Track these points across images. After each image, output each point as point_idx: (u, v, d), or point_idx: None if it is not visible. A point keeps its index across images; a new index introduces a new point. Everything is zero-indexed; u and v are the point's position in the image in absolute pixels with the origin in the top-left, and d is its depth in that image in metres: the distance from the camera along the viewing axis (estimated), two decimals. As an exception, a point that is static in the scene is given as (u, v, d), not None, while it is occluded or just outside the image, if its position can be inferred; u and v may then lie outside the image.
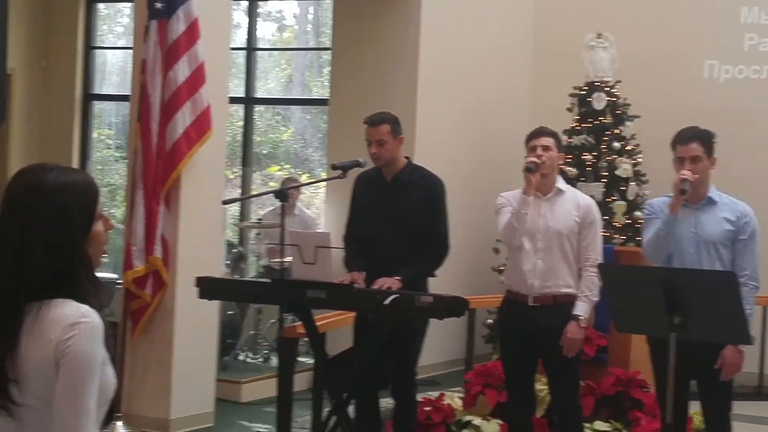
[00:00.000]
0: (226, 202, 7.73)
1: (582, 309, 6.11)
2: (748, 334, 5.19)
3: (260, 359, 10.04)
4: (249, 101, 12.39)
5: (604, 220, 9.97)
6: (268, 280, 7.31)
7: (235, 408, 8.74)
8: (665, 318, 4.97)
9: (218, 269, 8.53)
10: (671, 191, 5.78)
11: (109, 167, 13.74)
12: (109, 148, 13.86)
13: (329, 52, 11.30)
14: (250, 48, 12.40)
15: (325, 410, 6.51)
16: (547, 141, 6.23)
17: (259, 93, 12.84)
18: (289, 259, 6.43)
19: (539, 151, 6.16)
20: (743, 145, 10.72)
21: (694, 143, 5.88)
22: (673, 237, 5.82)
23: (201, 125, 7.84)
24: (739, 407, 6.55)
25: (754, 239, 5.89)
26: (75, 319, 2.71)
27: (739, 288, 5.17)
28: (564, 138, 10.47)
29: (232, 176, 12.77)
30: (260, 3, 12.85)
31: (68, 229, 2.76)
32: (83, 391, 2.69)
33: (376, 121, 6.51)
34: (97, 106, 13.37)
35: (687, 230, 5.87)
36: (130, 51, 8.62)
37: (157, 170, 7.69)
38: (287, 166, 13.48)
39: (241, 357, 10.05)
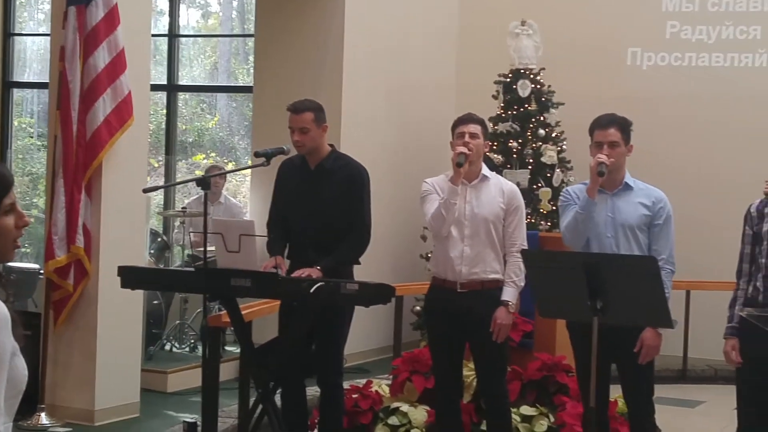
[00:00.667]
0: (147, 191, 7.64)
1: (510, 294, 6.17)
2: (669, 317, 5.25)
3: (186, 349, 9.97)
4: (172, 89, 12.28)
5: (530, 206, 10.12)
6: (192, 269, 7.24)
7: (161, 398, 8.67)
8: (588, 302, 5.01)
9: (142, 258, 8.47)
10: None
11: (31, 156, 13.56)
12: (31, 137, 13.68)
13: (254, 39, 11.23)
14: (173, 35, 12.28)
15: (252, 399, 6.50)
16: (475, 128, 6.26)
17: (184, 80, 12.73)
18: (212, 247, 6.37)
19: (467, 138, 6.18)
20: (665, 132, 10.87)
21: (612, 128, 5.91)
22: (591, 221, 5.88)
23: (122, 113, 7.77)
24: (663, 390, 6.67)
25: (669, 224, 5.97)
26: None
27: (661, 273, 5.24)
28: (490, 125, 10.54)
29: (157, 165, 12.66)
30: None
31: None
32: None
33: (300, 109, 6.47)
34: (18, 93, 13.20)
35: (604, 215, 5.92)
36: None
37: (78, 159, 7.61)
38: (213, 154, 13.40)
39: (166, 347, 9.97)
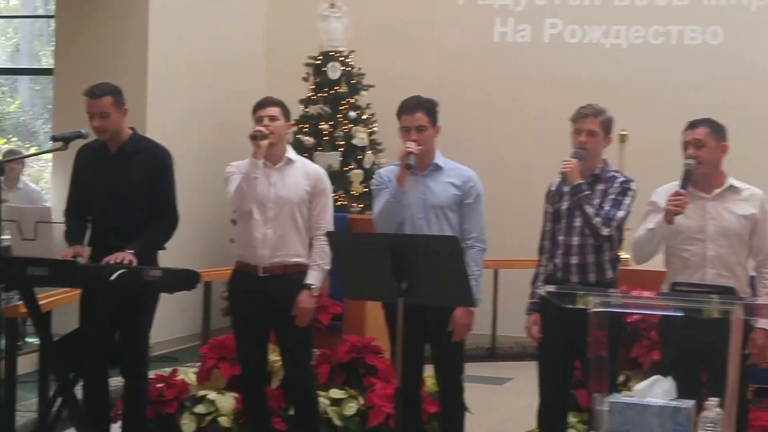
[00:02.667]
0: (-61, 177, 7.36)
1: (314, 278, 6.15)
2: (472, 296, 5.32)
3: (-11, 342, 9.64)
4: (-31, 72, 11.86)
5: (342, 188, 10.15)
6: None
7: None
8: (393, 283, 5.03)
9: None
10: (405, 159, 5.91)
11: None
12: None
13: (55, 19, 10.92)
14: (-30, 15, 11.86)
15: (52, 391, 6.33)
16: (273, 111, 6.21)
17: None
18: (7, 236, 6.17)
19: (266, 122, 6.15)
20: (474, 113, 11.04)
21: (419, 113, 5.98)
22: (403, 206, 5.96)
23: None
24: (472, 368, 6.76)
25: (479, 203, 6.07)
26: None
27: (463, 251, 5.30)
28: (300, 108, 10.55)
29: (-46, 150, 12.23)
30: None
31: None
32: None
33: (97, 93, 6.30)
34: None
35: (415, 196, 5.99)
36: None
37: None
38: (14, 138, 12.97)
39: (-31, 339, 9.63)
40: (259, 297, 6.15)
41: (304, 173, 6.29)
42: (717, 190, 5.65)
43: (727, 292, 5.21)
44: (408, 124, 5.96)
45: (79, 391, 6.31)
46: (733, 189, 5.68)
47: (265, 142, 6.07)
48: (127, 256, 6.05)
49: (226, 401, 6.76)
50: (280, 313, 6.14)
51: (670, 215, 5.45)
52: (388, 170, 6.13)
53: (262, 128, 6.09)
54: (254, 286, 6.17)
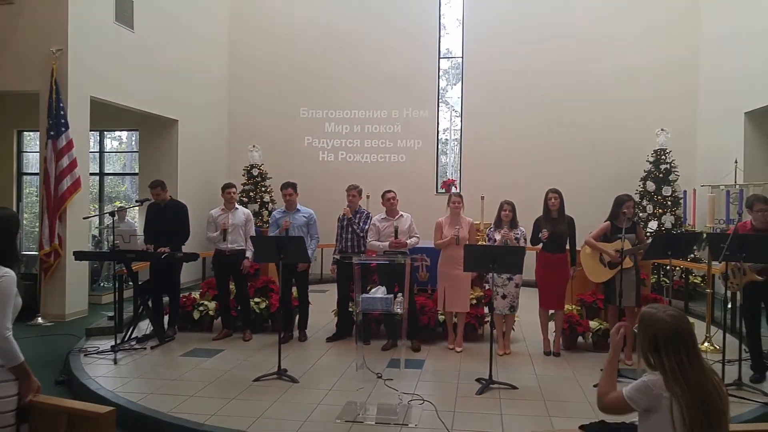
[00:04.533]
0: (86, 218, 6.93)
1: (249, 254, 6.07)
2: (309, 258, 5.36)
3: (110, 285, 8.99)
4: (102, 174, 11.04)
5: (258, 219, 9.89)
6: (108, 250, 6.60)
7: (99, 307, 7.84)
8: (277, 255, 5.03)
9: (86, 247, 7.62)
10: (283, 207, 5.96)
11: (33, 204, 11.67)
12: (36, 196, 11.78)
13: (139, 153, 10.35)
14: (102, 151, 11.04)
15: (138, 303, 6.05)
16: (233, 190, 6.15)
17: (109, 170, 11.44)
18: (118, 241, 5.86)
19: (230, 190, 6.07)
20: (312, 188, 10.85)
21: (289, 188, 6.03)
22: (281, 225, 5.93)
23: (75, 186, 7.11)
24: (313, 287, 6.73)
25: (315, 224, 6.12)
26: (2, 274, 2.53)
27: (305, 242, 5.31)
28: (242, 186, 10.29)
29: (96, 206, 11.28)
30: (107, 132, 11.45)
31: (6, 238, 2.61)
32: (4, 307, 2.51)
33: (154, 185, 6.16)
34: (25, 178, 11.32)
35: (292, 221, 5.98)
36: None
37: (54, 205, 6.82)
38: (124, 201, 12.14)
39: (102, 284, 8.97)
40: (225, 263, 6.06)
41: (242, 213, 6.20)
42: (397, 216, 5.88)
43: (404, 254, 5.49)
44: (285, 193, 5.99)
45: (149, 303, 6.07)
46: (401, 215, 5.91)
47: (228, 206, 6.01)
48: (166, 249, 5.87)
49: (212, 305, 6.53)
50: (235, 269, 6.07)
51: (392, 247, 5.64)
52: (277, 211, 6.12)
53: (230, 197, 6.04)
54: (224, 258, 6.07)
